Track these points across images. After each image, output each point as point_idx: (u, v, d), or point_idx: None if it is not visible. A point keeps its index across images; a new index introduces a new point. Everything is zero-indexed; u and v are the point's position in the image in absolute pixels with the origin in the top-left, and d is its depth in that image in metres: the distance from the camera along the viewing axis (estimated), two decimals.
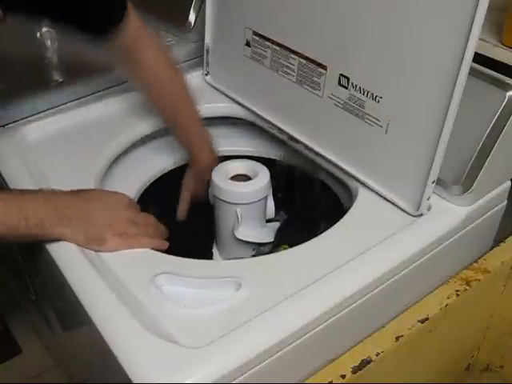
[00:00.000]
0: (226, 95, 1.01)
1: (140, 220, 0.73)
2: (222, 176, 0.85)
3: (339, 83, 0.80)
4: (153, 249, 0.72)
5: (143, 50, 0.84)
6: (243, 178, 0.87)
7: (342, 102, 0.80)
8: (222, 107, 1.01)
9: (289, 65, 0.87)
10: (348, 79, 0.78)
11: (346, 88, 0.79)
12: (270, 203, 0.89)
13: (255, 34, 0.91)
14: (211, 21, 1.00)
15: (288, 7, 0.84)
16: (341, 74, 0.79)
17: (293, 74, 0.87)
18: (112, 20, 0.77)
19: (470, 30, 0.62)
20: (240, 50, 0.95)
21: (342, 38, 0.77)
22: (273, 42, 0.89)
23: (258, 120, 0.97)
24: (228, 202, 0.84)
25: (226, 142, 1.05)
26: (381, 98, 0.74)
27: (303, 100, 0.86)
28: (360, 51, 0.76)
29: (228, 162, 0.89)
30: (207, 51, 1.03)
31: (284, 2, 0.84)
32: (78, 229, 0.68)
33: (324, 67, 0.81)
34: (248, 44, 0.93)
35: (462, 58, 0.63)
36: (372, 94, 0.75)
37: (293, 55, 0.86)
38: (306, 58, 0.84)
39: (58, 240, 0.69)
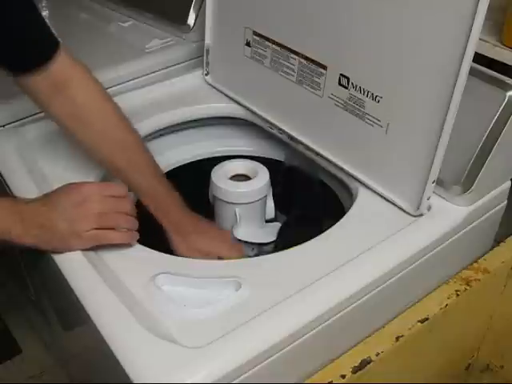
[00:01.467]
0: (226, 95, 1.01)
1: (108, 208, 0.71)
2: (221, 176, 0.85)
3: (339, 83, 0.80)
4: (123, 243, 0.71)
5: (78, 92, 0.77)
6: (243, 177, 0.87)
7: (342, 102, 0.80)
8: (222, 107, 1.01)
9: (289, 65, 0.87)
10: (348, 79, 0.78)
11: (346, 88, 0.79)
12: (270, 203, 0.89)
13: (255, 33, 0.91)
14: (211, 21, 1.00)
15: (288, 7, 0.84)
16: (341, 74, 0.79)
17: (293, 73, 0.87)
18: (36, 58, 0.72)
19: (470, 30, 0.62)
20: (240, 49, 0.95)
21: (342, 38, 0.77)
22: (273, 42, 0.89)
23: (257, 120, 0.97)
24: (227, 202, 0.84)
25: (226, 142, 1.05)
26: (381, 97, 0.74)
27: (303, 100, 0.86)
28: (360, 51, 0.76)
29: (227, 161, 0.89)
30: (207, 51, 1.03)
31: (284, 2, 0.84)
32: (43, 238, 0.68)
33: (324, 67, 0.81)
34: (248, 44, 0.93)
35: (462, 58, 0.63)
36: (372, 94, 0.75)
37: (293, 55, 0.86)
38: (306, 58, 0.84)
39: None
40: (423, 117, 0.70)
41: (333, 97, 0.81)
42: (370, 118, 0.77)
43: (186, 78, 1.06)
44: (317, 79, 0.83)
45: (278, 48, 0.88)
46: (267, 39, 0.89)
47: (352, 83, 0.78)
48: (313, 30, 0.81)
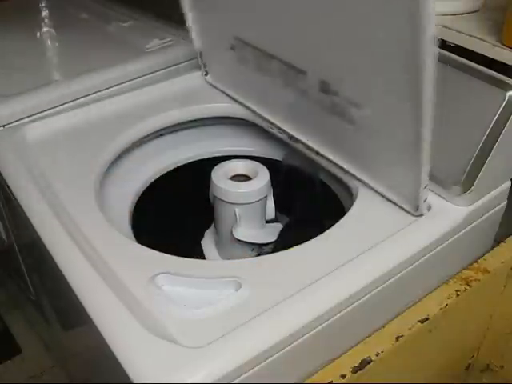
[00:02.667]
0: (227, 95, 1.01)
1: None
2: (221, 176, 0.85)
3: (321, 89, 0.79)
4: None
5: None
6: (243, 177, 0.87)
7: (329, 107, 0.79)
8: (223, 107, 1.01)
9: (272, 69, 0.86)
10: (329, 85, 0.77)
11: (328, 94, 0.78)
12: (270, 204, 0.89)
13: (237, 38, 0.90)
14: (198, 26, 0.99)
15: (264, 13, 0.82)
16: (321, 81, 0.78)
17: (278, 77, 0.86)
18: None
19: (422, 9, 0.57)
20: (228, 53, 0.95)
21: (315, 42, 0.76)
22: (253, 47, 0.87)
23: (258, 120, 0.97)
24: (227, 202, 0.84)
25: (226, 141, 1.05)
26: (361, 103, 0.73)
27: (295, 102, 0.86)
28: (332, 56, 0.74)
29: (228, 161, 0.89)
30: (200, 54, 1.02)
31: (260, 7, 0.83)
32: None
33: (304, 73, 0.80)
34: (233, 48, 0.93)
35: (422, 41, 0.59)
36: (352, 101, 0.74)
37: (274, 60, 0.85)
38: (286, 64, 0.83)
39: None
40: (403, 114, 0.69)
41: (319, 102, 0.81)
42: (357, 121, 0.76)
43: (186, 78, 1.06)
44: (301, 84, 0.82)
45: (259, 53, 0.87)
46: (248, 44, 0.88)
47: (332, 90, 0.77)
48: (288, 34, 0.80)
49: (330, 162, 0.85)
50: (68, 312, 0.82)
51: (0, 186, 0.86)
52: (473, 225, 0.79)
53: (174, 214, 0.94)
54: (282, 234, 0.90)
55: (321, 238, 0.74)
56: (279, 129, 0.93)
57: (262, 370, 0.60)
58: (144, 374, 0.56)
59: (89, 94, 1.01)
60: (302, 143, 0.89)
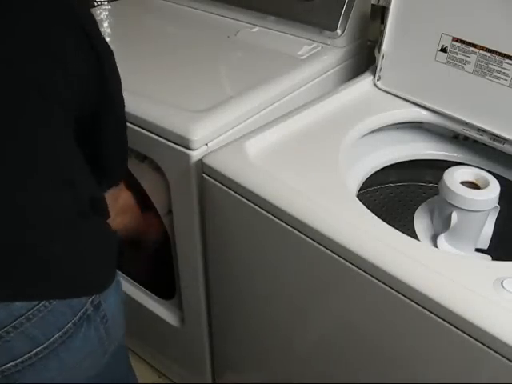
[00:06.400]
0: (405, 99, 0.99)
1: None
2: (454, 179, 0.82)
3: None
4: None
5: None
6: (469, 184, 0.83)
7: None
8: (401, 112, 0.99)
9: (502, 70, 0.85)
10: None
11: None
12: (488, 229, 0.84)
13: (455, 39, 0.90)
14: (392, 28, 0.97)
15: (492, 10, 0.82)
16: None
17: (506, 78, 0.84)
18: None
19: None
20: (431, 55, 0.93)
21: None
22: (480, 48, 0.87)
23: (447, 123, 0.95)
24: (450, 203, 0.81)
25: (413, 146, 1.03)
26: None
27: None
28: None
29: (459, 167, 0.85)
30: (383, 57, 1.00)
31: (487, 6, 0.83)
32: None
33: None
34: (444, 50, 0.92)
35: None
36: None
37: (508, 60, 0.83)
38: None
39: None
40: None
41: None
42: None
43: (353, 88, 1.03)
44: None
45: (487, 53, 0.86)
46: (472, 45, 0.88)
47: None
48: None
49: None
50: None
51: None
52: None
53: None
54: None
55: None
56: (479, 130, 0.91)
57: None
58: None
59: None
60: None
